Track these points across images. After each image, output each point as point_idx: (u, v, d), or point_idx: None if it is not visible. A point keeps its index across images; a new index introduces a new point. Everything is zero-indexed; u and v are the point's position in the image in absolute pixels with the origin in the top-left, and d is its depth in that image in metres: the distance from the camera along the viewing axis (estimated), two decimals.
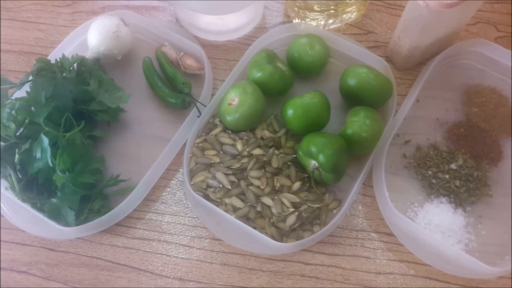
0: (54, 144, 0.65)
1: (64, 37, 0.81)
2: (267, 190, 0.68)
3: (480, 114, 0.74)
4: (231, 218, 0.65)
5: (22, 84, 0.70)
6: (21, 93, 0.71)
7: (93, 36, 0.75)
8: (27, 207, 0.66)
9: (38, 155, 0.64)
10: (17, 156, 0.66)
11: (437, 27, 0.70)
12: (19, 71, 0.82)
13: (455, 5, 0.63)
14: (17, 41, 0.84)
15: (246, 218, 0.67)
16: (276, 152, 0.70)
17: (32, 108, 0.66)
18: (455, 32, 0.76)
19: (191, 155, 0.71)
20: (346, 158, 0.66)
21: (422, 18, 0.67)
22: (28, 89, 0.68)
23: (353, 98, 0.71)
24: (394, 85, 0.72)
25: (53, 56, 0.77)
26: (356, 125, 0.67)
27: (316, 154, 0.64)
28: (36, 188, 0.68)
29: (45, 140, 0.64)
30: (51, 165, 0.64)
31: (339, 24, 0.82)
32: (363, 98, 0.70)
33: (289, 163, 0.70)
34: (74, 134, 0.67)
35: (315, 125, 0.69)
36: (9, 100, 0.69)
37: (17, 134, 0.68)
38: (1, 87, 0.68)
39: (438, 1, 0.63)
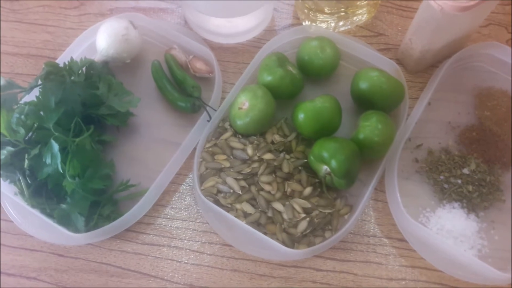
0: (63, 149, 0.65)
1: (72, 39, 0.80)
2: (278, 195, 0.67)
3: (492, 117, 0.73)
4: (242, 223, 0.64)
5: (31, 88, 0.69)
6: (30, 97, 0.70)
7: (102, 39, 0.75)
8: (36, 212, 0.66)
9: (48, 160, 0.64)
10: (26, 161, 0.65)
11: (450, 30, 0.69)
12: (26, 74, 0.81)
13: (470, 8, 0.62)
14: (25, 44, 0.84)
15: (257, 224, 0.66)
16: (287, 156, 0.70)
17: (41, 113, 0.65)
18: (467, 34, 0.75)
19: (201, 159, 0.70)
20: (358, 164, 0.66)
21: (435, 21, 0.66)
22: (37, 93, 0.67)
23: (364, 102, 0.70)
24: (406, 88, 0.71)
25: (62, 59, 0.77)
26: (368, 130, 0.66)
27: (328, 160, 0.64)
28: (45, 193, 0.68)
29: (55, 146, 0.63)
30: (61, 171, 0.63)
31: (349, 26, 0.81)
32: (374, 102, 0.69)
33: (300, 167, 0.69)
34: (84, 139, 0.66)
35: (326, 129, 0.68)
36: (18, 105, 0.68)
37: (26, 138, 0.67)
38: (11, 91, 0.68)
39: (453, 5, 0.62)
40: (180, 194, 0.72)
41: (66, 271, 0.67)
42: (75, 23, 0.85)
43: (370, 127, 0.66)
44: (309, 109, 0.68)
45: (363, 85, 0.69)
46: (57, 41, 0.84)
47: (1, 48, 0.83)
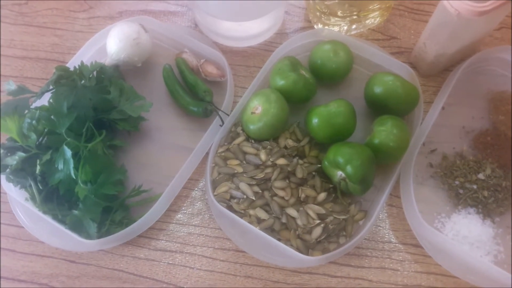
0: (75, 155, 0.64)
1: (81, 42, 0.80)
2: (292, 201, 0.66)
3: (507, 122, 0.72)
4: (255, 230, 0.64)
5: (42, 93, 0.68)
6: (41, 102, 0.70)
7: (113, 43, 0.74)
8: (48, 218, 0.65)
9: (61, 166, 0.63)
10: (38, 167, 0.65)
11: (465, 34, 0.69)
12: (36, 78, 0.81)
13: (487, 13, 0.61)
14: (33, 47, 0.83)
15: (270, 230, 0.65)
16: (300, 161, 0.69)
17: (52, 117, 0.64)
18: (481, 38, 0.75)
19: (213, 165, 0.70)
20: (374, 169, 0.65)
21: (450, 26, 0.65)
22: (48, 98, 0.67)
23: (378, 106, 0.70)
24: (421, 93, 0.70)
25: (72, 63, 0.76)
26: (383, 135, 0.65)
27: (343, 165, 0.63)
28: (57, 199, 0.67)
29: (68, 152, 0.62)
30: (73, 177, 0.63)
31: (361, 30, 0.81)
32: (389, 106, 0.69)
33: (313, 173, 0.69)
34: (96, 144, 0.65)
35: (340, 134, 0.68)
36: (29, 110, 0.68)
37: (37, 144, 0.67)
38: (22, 96, 0.67)
39: (470, 9, 0.61)
40: (192, 199, 0.71)
41: (78, 278, 0.67)
42: (84, 26, 0.84)
43: (385, 132, 0.66)
44: (323, 114, 0.67)
45: (378, 89, 0.69)
46: (66, 45, 0.83)
47: (10, 52, 0.83)
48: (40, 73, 0.81)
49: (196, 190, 0.72)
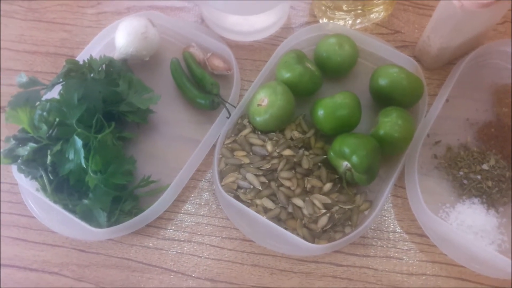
0: (85, 145, 0.65)
1: (90, 37, 0.81)
2: (298, 191, 0.67)
3: (510, 114, 0.73)
4: (262, 219, 0.65)
5: (53, 85, 0.70)
6: (51, 94, 0.71)
7: (121, 37, 0.75)
8: (58, 208, 0.66)
9: (71, 156, 0.64)
10: (49, 157, 0.66)
11: (469, 27, 0.70)
12: (45, 72, 0.82)
13: (490, 5, 0.62)
14: (43, 42, 0.84)
15: (277, 219, 0.66)
16: (306, 153, 0.70)
17: (64, 109, 0.66)
18: (484, 32, 0.76)
19: (220, 156, 0.71)
20: (379, 159, 0.66)
21: (454, 18, 0.66)
22: (58, 91, 0.68)
23: (383, 98, 0.71)
24: (425, 85, 0.71)
25: (81, 57, 0.78)
26: (388, 126, 0.66)
27: (349, 155, 0.64)
28: (67, 189, 0.69)
29: (79, 142, 0.64)
30: (84, 166, 0.64)
31: (366, 24, 0.82)
32: (394, 98, 0.69)
33: (319, 164, 0.70)
34: (106, 135, 0.67)
35: (346, 126, 0.69)
36: (40, 102, 0.69)
37: (47, 135, 0.68)
38: (33, 88, 0.69)
39: (474, 1, 0.62)
40: (199, 190, 0.72)
41: (88, 266, 0.68)
42: (92, 22, 0.86)
43: (390, 123, 0.66)
44: (329, 106, 0.68)
45: (383, 81, 0.70)
46: (75, 40, 0.85)
47: (20, 47, 0.84)
48: (50, 68, 0.82)
49: (203, 181, 0.73)
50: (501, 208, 0.68)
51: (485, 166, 0.69)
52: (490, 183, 0.68)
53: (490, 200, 0.68)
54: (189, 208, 0.71)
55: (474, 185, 0.68)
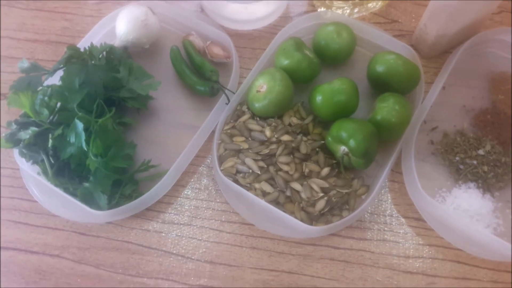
0: (86, 130, 0.66)
1: (91, 26, 0.82)
2: (296, 175, 0.68)
3: (506, 101, 0.74)
4: (261, 202, 0.66)
5: (54, 70, 0.71)
6: (52, 80, 0.72)
7: (122, 25, 0.76)
8: (59, 191, 0.67)
9: (72, 139, 0.65)
10: (50, 141, 0.67)
11: (465, 14, 0.71)
12: (46, 60, 0.83)
13: None
14: (44, 31, 0.85)
15: (275, 203, 0.67)
16: (304, 138, 0.71)
17: (65, 93, 0.67)
18: (480, 20, 0.77)
19: (220, 141, 0.72)
20: (376, 144, 0.67)
21: (450, 6, 0.67)
22: (59, 77, 0.69)
23: (381, 85, 0.72)
24: (422, 71, 0.72)
25: (82, 45, 0.78)
26: (385, 111, 0.67)
27: (346, 139, 0.65)
28: (68, 173, 0.69)
29: (80, 125, 0.64)
30: (85, 149, 0.65)
31: (364, 13, 0.83)
32: (391, 84, 0.70)
33: (317, 149, 0.71)
34: (106, 120, 0.67)
35: (344, 111, 0.69)
36: (42, 87, 0.70)
37: (49, 121, 0.69)
38: (35, 73, 0.69)
39: None
40: (199, 175, 0.73)
41: (88, 249, 0.69)
42: (93, 11, 0.87)
43: (387, 108, 0.67)
44: (327, 91, 0.69)
45: (380, 68, 0.71)
46: (76, 28, 0.86)
47: (22, 35, 0.85)
48: (51, 55, 0.83)
49: (203, 166, 0.74)
50: (496, 193, 0.69)
51: (481, 152, 0.70)
52: (486, 168, 0.69)
53: (486, 184, 0.69)
54: (189, 193, 0.72)
55: (470, 170, 0.69)
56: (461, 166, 0.70)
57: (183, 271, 0.67)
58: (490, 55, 0.79)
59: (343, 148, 0.67)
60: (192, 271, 0.67)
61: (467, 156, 0.70)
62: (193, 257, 0.67)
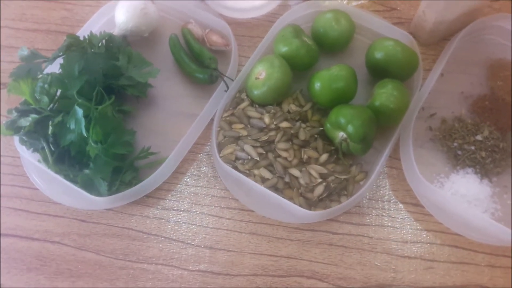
0: (86, 117, 0.66)
1: (90, 16, 0.82)
2: (295, 162, 0.69)
3: (505, 87, 0.74)
4: (260, 187, 0.66)
5: (54, 58, 0.71)
6: (52, 68, 0.72)
7: (121, 13, 0.76)
8: (60, 178, 0.67)
9: (72, 126, 0.65)
10: (50, 128, 0.67)
11: (463, 1, 0.71)
12: (46, 49, 0.83)
13: None
14: (44, 21, 0.86)
15: (274, 189, 0.68)
16: (303, 125, 0.71)
17: (65, 81, 0.67)
18: (478, 7, 0.77)
19: (219, 128, 0.72)
20: (374, 129, 0.67)
21: None
22: (59, 65, 0.69)
23: (379, 71, 0.72)
24: (420, 57, 0.72)
25: (81, 33, 0.78)
26: (384, 97, 0.68)
27: (345, 125, 0.65)
28: (68, 160, 0.70)
29: (79, 111, 0.65)
30: (85, 135, 0.65)
31: (362, 1, 0.83)
32: (389, 70, 0.71)
33: (316, 135, 0.71)
34: (106, 107, 0.68)
35: (342, 97, 0.70)
36: (42, 75, 0.70)
37: (49, 108, 0.69)
38: (35, 61, 0.70)
39: None
40: (198, 162, 0.73)
41: (89, 236, 0.69)
42: (93, 1, 0.87)
43: (386, 94, 0.68)
44: (326, 78, 0.69)
45: (378, 54, 0.71)
46: (75, 18, 0.86)
47: (22, 25, 0.85)
48: (50, 45, 0.83)
49: (202, 154, 0.74)
50: (494, 178, 0.69)
51: (479, 137, 0.70)
52: (483, 154, 0.69)
53: (484, 170, 0.69)
54: (188, 180, 0.72)
55: (468, 155, 0.70)
56: (459, 152, 0.70)
57: (182, 256, 0.67)
58: (489, 42, 0.79)
59: (341, 134, 0.67)
60: (192, 256, 0.67)
61: (465, 142, 0.70)
62: (192, 243, 0.68)
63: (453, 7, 0.72)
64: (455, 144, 0.70)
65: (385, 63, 0.71)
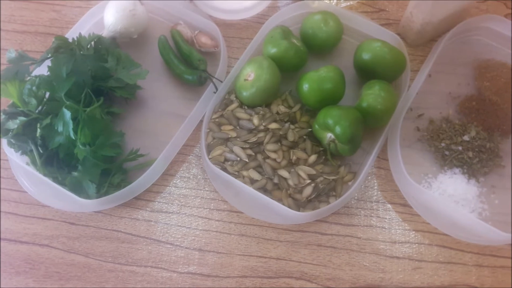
0: (74, 119, 0.66)
1: (79, 17, 0.82)
2: (284, 163, 0.69)
3: (492, 88, 0.75)
4: (249, 189, 0.66)
5: (42, 60, 0.71)
6: (41, 70, 0.72)
7: (110, 15, 0.76)
8: (48, 181, 0.67)
9: (60, 128, 0.65)
10: (38, 130, 0.67)
11: (450, 2, 0.71)
12: (35, 51, 0.83)
13: None
14: (33, 22, 0.85)
15: (263, 190, 0.68)
16: (292, 126, 0.71)
17: (53, 83, 0.67)
18: (466, 8, 0.77)
19: (208, 130, 0.72)
20: (362, 130, 0.67)
21: None
22: (47, 67, 0.69)
23: (367, 73, 0.72)
24: (408, 58, 0.73)
25: (70, 35, 0.78)
26: (371, 98, 0.68)
27: (332, 126, 0.66)
28: (57, 163, 0.70)
29: (67, 114, 0.65)
30: (73, 137, 0.65)
31: (351, 2, 0.83)
32: (377, 72, 0.71)
33: (304, 137, 0.71)
34: (94, 109, 0.68)
35: (330, 99, 0.70)
36: (30, 77, 0.70)
37: (37, 111, 0.69)
38: (23, 63, 0.69)
39: None
40: (188, 164, 0.73)
41: (78, 238, 0.69)
42: (82, 2, 0.87)
43: (373, 95, 0.68)
44: (314, 79, 0.70)
45: (366, 55, 0.71)
46: (64, 19, 0.86)
47: (10, 26, 0.85)
48: (39, 47, 0.83)
49: (191, 155, 0.74)
50: (481, 178, 0.70)
51: (466, 138, 0.71)
52: (471, 154, 0.70)
53: (471, 170, 0.70)
54: (178, 182, 0.72)
55: (456, 155, 0.70)
56: (447, 152, 0.71)
57: (172, 258, 0.67)
58: (476, 43, 0.80)
59: (329, 135, 0.67)
60: (181, 258, 0.67)
61: (453, 142, 0.71)
62: (182, 245, 0.68)
63: (441, 8, 0.72)
64: (443, 144, 0.71)
65: (372, 64, 0.71)
